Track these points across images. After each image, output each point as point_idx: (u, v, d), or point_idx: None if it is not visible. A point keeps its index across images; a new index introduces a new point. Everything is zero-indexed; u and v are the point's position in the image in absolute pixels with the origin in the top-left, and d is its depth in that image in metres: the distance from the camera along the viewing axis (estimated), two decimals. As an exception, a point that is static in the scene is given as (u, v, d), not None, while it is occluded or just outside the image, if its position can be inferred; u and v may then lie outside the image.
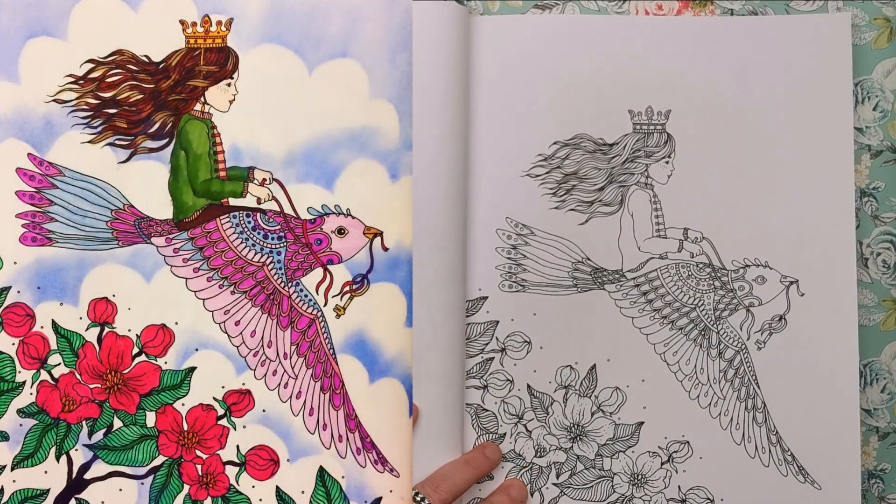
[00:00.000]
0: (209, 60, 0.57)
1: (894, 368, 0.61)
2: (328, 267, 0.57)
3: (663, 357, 0.60)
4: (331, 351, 0.57)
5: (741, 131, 0.60)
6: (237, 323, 0.57)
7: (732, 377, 0.60)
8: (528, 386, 0.60)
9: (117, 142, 0.58)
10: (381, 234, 0.57)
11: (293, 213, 0.57)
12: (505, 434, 0.61)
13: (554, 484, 0.61)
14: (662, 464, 0.60)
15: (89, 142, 0.57)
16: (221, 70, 0.57)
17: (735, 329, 0.60)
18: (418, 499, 0.55)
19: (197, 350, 0.57)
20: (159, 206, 0.58)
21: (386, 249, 0.57)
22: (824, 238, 0.60)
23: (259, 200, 0.58)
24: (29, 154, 0.58)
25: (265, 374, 0.57)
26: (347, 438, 0.57)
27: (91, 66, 0.58)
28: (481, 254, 0.60)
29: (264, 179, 0.57)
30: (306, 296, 0.57)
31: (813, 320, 0.60)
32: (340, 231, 0.57)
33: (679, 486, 0.60)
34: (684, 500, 0.60)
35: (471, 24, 0.60)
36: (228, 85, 0.57)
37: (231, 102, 0.57)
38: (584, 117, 0.60)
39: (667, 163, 0.60)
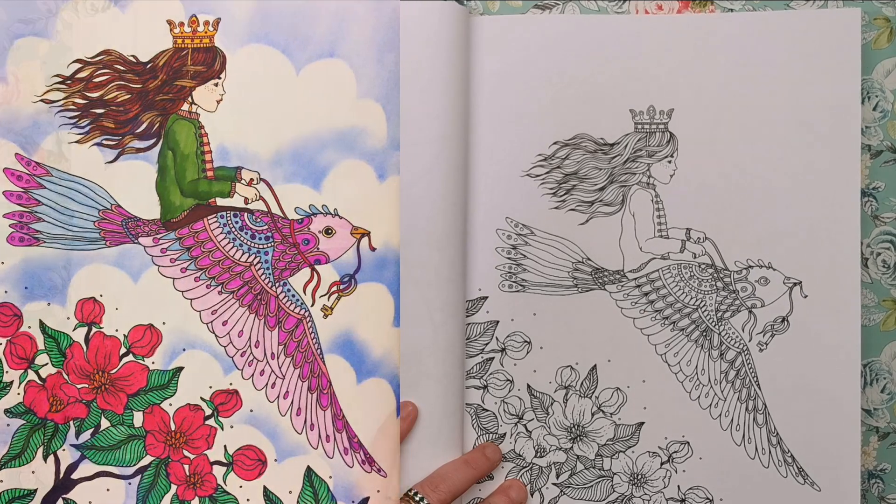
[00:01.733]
0: (196, 60, 0.57)
1: (894, 368, 0.60)
2: (315, 267, 0.57)
3: (664, 358, 0.60)
4: (318, 351, 0.57)
5: (745, 130, 0.59)
6: (224, 323, 0.57)
7: (733, 378, 0.60)
8: (528, 386, 0.60)
9: (105, 142, 0.58)
10: (368, 234, 0.57)
11: (281, 213, 0.57)
12: (505, 434, 0.61)
13: (554, 484, 0.60)
14: (662, 464, 0.60)
15: (77, 142, 0.58)
16: (209, 70, 0.57)
17: (737, 330, 0.60)
18: (417, 499, 0.55)
19: (184, 350, 0.57)
20: (147, 206, 0.58)
21: (373, 249, 0.57)
22: (829, 239, 0.59)
23: (246, 200, 0.58)
24: (16, 154, 0.58)
25: (252, 374, 0.57)
26: (335, 438, 0.57)
27: (78, 66, 0.58)
28: (481, 254, 0.60)
29: (252, 179, 0.57)
30: (294, 296, 0.57)
31: (816, 322, 0.59)
32: (328, 231, 0.57)
33: (678, 486, 0.60)
34: (684, 499, 0.60)
35: (471, 24, 0.60)
36: (216, 85, 0.57)
37: (218, 102, 0.57)
38: (584, 117, 0.60)
39: (669, 162, 0.60)
